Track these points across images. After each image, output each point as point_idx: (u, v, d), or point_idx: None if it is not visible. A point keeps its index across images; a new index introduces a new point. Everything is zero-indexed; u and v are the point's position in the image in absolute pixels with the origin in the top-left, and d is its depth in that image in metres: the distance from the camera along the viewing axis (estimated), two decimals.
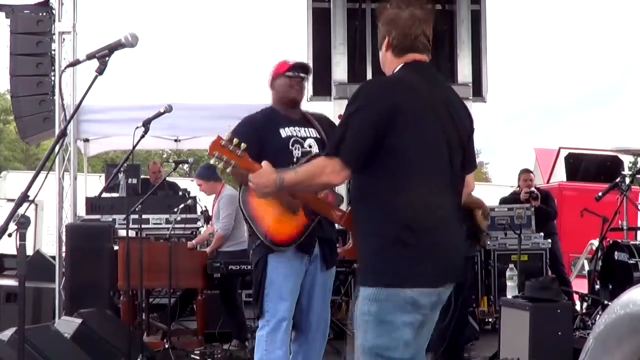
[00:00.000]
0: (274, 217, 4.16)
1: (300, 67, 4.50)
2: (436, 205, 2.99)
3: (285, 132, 4.39)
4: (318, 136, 4.48)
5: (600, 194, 5.54)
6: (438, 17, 8.38)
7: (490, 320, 8.00)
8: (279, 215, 4.15)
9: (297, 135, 4.40)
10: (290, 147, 4.34)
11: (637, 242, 5.79)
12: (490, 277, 8.13)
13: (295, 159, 4.30)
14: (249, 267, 4.73)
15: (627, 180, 5.77)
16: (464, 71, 8.65)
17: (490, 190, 17.92)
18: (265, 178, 3.21)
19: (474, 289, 7.57)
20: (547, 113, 74.24)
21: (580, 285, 8.76)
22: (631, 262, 5.52)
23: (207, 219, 7.95)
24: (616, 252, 5.80)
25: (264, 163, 3.26)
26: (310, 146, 4.42)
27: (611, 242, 6.05)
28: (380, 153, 2.96)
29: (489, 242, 8.04)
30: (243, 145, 3.36)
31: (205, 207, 8.15)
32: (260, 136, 4.27)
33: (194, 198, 8.08)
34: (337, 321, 6.83)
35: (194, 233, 8.12)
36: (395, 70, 3.18)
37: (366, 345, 2.99)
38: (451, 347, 5.21)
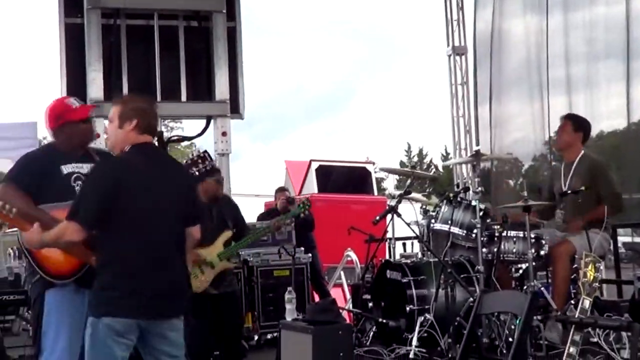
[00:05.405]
0: (53, 253, 4.18)
1: (92, 110, 4.76)
2: (143, 253, 3.90)
3: (66, 168, 4.43)
4: None
5: (377, 218, 5.75)
6: (195, 35, 8.53)
7: (255, 336, 8.04)
8: (58, 251, 4.18)
9: (79, 172, 4.41)
10: (72, 183, 4.38)
11: (408, 262, 6.10)
12: (254, 293, 8.16)
13: None
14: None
15: (395, 201, 6.05)
16: (221, 89, 8.59)
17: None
18: (33, 237, 4.01)
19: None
20: (280, 122, 76.76)
21: (336, 295, 9.08)
22: (404, 280, 5.78)
23: None
24: (388, 271, 6.06)
25: (35, 225, 3.99)
26: None
27: (383, 260, 6.30)
28: (110, 215, 3.88)
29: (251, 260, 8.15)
30: (14, 210, 4.03)
31: None
32: (41, 175, 4.35)
33: None
34: None
35: None
36: (125, 149, 4.09)
37: None
38: None
